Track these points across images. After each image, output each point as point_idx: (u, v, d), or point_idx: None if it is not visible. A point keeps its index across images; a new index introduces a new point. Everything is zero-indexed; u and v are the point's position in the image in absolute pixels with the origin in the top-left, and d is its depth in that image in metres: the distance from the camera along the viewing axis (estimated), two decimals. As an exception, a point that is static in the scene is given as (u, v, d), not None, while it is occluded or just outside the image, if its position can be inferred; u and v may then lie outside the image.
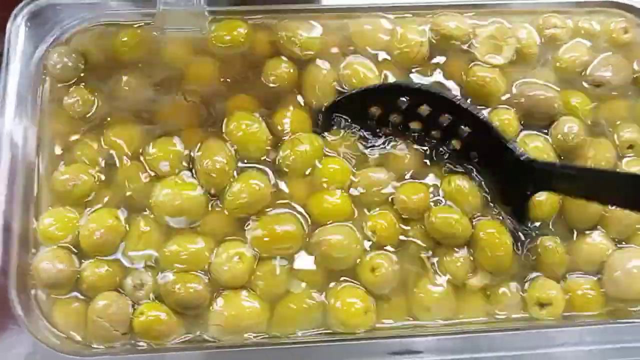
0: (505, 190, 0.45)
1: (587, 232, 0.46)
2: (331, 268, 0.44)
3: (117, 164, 0.45)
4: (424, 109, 0.45)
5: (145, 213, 0.44)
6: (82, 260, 0.43)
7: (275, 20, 0.49)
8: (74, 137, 0.46)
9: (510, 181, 0.44)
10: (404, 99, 0.45)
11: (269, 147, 0.46)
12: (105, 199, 0.45)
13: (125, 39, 0.48)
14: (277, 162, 0.46)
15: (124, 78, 0.47)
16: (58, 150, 0.46)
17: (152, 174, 0.45)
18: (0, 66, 0.46)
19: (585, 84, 0.50)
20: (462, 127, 0.45)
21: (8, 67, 0.46)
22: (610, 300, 0.45)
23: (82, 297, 0.43)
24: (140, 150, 0.46)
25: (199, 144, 0.46)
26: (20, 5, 0.47)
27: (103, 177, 0.45)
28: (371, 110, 0.46)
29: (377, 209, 0.45)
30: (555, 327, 0.44)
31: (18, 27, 0.47)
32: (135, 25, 0.49)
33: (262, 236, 0.43)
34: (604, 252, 0.45)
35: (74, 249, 0.43)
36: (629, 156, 0.48)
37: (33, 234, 0.44)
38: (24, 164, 0.45)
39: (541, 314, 0.44)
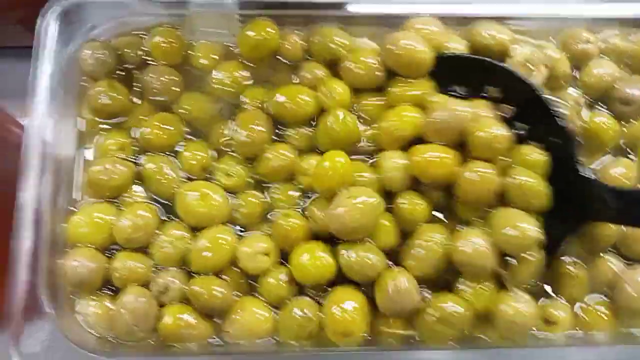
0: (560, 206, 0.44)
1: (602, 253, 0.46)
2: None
3: (151, 163, 0.46)
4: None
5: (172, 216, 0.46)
6: (113, 255, 0.44)
7: (305, 27, 0.49)
8: (105, 132, 0.48)
9: (567, 198, 0.43)
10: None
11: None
12: (139, 194, 0.46)
13: (156, 37, 0.48)
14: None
15: (154, 75, 0.48)
16: (88, 145, 0.48)
17: (183, 174, 0.46)
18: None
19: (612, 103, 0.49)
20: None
21: (37, 64, 0.47)
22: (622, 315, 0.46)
23: (111, 295, 0.44)
24: (171, 148, 0.47)
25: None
26: (50, 2, 0.47)
27: (137, 172, 0.46)
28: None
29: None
30: (567, 346, 0.45)
31: (48, 25, 0.47)
32: (165, 25, 0.49)
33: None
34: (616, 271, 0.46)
35: (102, 248, 0.45)
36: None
37: (63, 231, 0.45)
38: (53, 160, 0.46)
39: (545, 330, 0.45)
